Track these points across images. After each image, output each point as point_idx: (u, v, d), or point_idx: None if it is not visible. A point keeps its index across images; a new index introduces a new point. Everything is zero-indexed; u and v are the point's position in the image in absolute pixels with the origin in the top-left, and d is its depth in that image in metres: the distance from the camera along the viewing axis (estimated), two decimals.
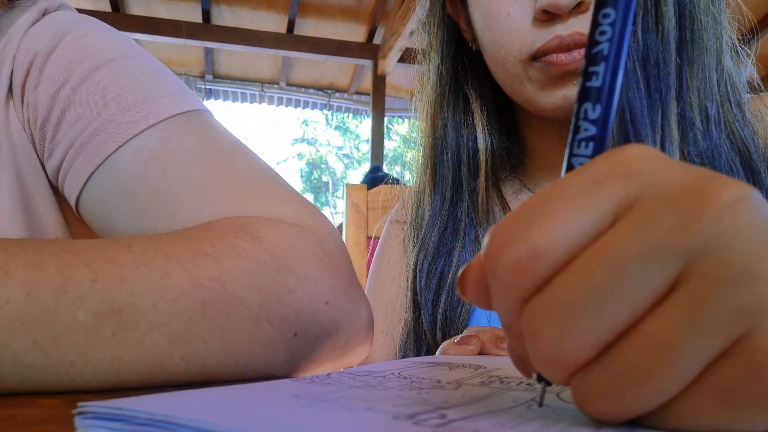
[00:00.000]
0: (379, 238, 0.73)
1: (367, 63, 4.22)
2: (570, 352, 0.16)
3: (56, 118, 0.42)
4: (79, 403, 0.17)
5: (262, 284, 0.33)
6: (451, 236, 0.57)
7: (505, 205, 0.59)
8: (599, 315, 0.15)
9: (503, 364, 0.30)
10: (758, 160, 0.48)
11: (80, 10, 0.50)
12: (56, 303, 0.28)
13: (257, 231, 0.35)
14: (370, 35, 4.11)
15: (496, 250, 0.17)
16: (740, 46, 0.51)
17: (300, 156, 11.95)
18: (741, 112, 0.50)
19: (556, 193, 0.17)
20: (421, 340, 0.57)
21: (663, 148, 0.47)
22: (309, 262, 0.36)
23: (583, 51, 0.47)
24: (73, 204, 0.43)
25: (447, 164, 0.59)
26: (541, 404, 0.19)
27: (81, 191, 0.42)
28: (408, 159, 0.69)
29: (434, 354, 0.38)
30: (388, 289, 0.66)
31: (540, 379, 0.19)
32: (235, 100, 5.16)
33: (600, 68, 0.19)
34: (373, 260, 0.71)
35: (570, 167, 0.19)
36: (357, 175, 11.80)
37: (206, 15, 3.89)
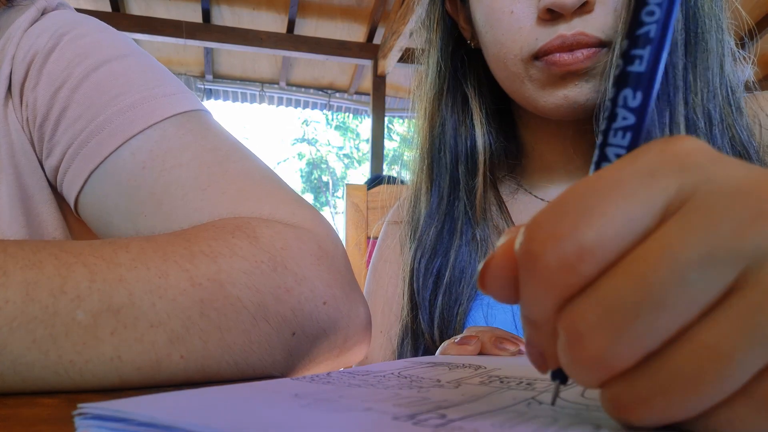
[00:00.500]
0: (378, 238, 0.73)
1: (367, 63, 4.22)
2: (619, 358, 0.15)
3: (55, 118, 0.42)
4: (79, 404, 0.17)
5: (260, 283, 0.33)
6: (448, 235, 0.57)
7: (502, 205, 0.59)
8: (654, 322, 0.14)
9: (503, 364, 0.30)
10: (757, 162, 0.48)
11: (80, 10, 0.50)
12: (55, 303, 0.28)
13: (254, 231, 0.35)
14: (370, 35, 4.11)
15: (539, 246, 0.16)
16: (738, 51, 0.51)
17: (300, 156, 11.94)
18: (740, 115, 0.50)
19: (605, 185, 0.15)
20: (419, 339, 0.57)
21: None
22: (306, 262, 0.36)
23: (585, 51, 0.47)
24: (71, 203, 0.43)
25: (445, 162, 0.59)
26: (554, 402, 0.19)
27: (80, 191, 0.42)
28: (406, 158, 0.69)
29: (432, 353, 0.38)
30: (385, 288, 0.66)
31: (555, 376, 0.18)
32: (235, 100, 5.15)
33: (645, 52, 0.17)
34: (371, 261, 0.71)
35: (603, 157, 0.18)
36: (357, 175, 11.80)
37: (206, 15, 3.88)
